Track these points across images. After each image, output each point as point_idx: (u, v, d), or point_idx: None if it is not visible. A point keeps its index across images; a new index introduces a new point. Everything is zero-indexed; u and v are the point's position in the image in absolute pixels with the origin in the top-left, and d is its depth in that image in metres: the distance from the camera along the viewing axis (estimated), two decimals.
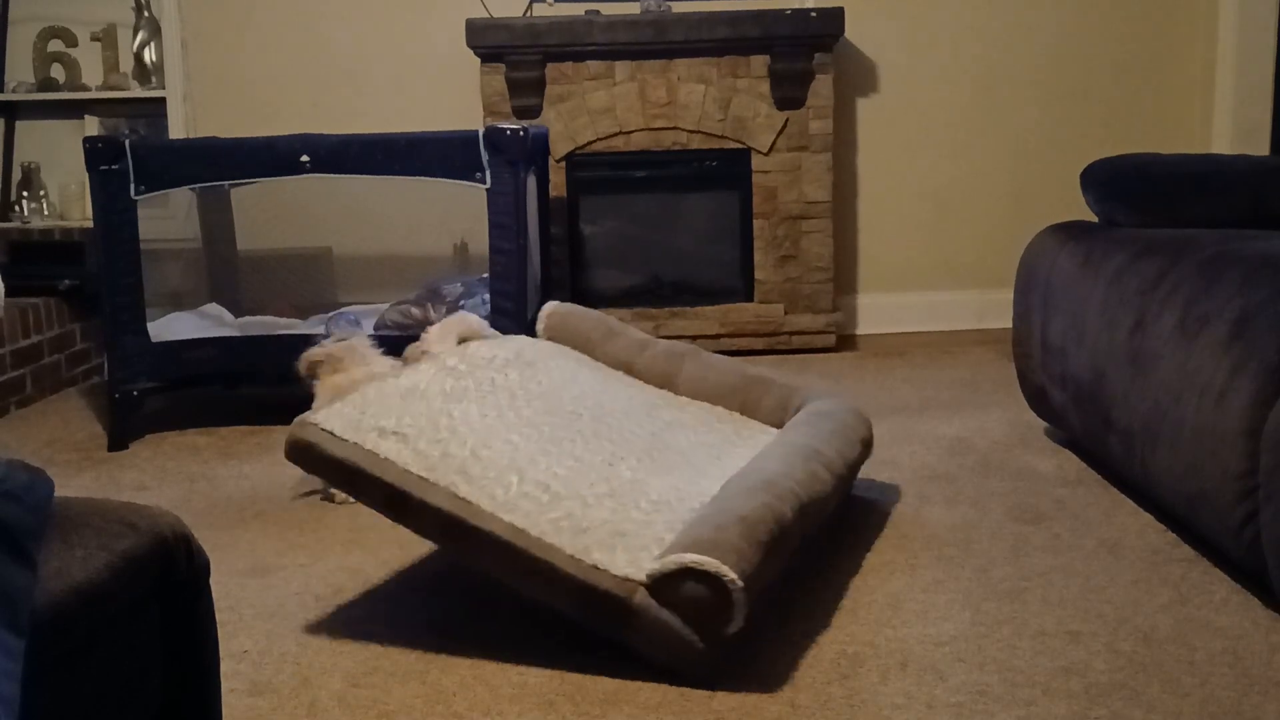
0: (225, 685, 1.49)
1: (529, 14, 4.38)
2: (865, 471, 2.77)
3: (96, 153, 3.29)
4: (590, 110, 4.24)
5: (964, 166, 4.55)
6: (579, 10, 4.24)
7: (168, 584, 1.28)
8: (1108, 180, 2.93)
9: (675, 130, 4.26)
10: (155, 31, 4.50)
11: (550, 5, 4.41)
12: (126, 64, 4.55)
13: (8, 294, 3.02)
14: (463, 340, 2.58)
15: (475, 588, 2.19)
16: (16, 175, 4.61)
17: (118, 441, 3.30)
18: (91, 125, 4.56)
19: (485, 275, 3.41)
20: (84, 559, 1.17)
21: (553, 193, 4.09)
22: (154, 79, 4.52)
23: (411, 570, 2.32)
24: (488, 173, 3.25)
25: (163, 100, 4.48)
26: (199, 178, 3.54)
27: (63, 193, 4.60)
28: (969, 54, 4.50)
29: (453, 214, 3.80)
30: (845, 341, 4.42)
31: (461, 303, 3.57)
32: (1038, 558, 2.28)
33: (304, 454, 2.06)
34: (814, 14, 4.16)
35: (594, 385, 2.52)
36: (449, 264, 4.17)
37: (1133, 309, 2.46)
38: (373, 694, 1.83)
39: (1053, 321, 2.84)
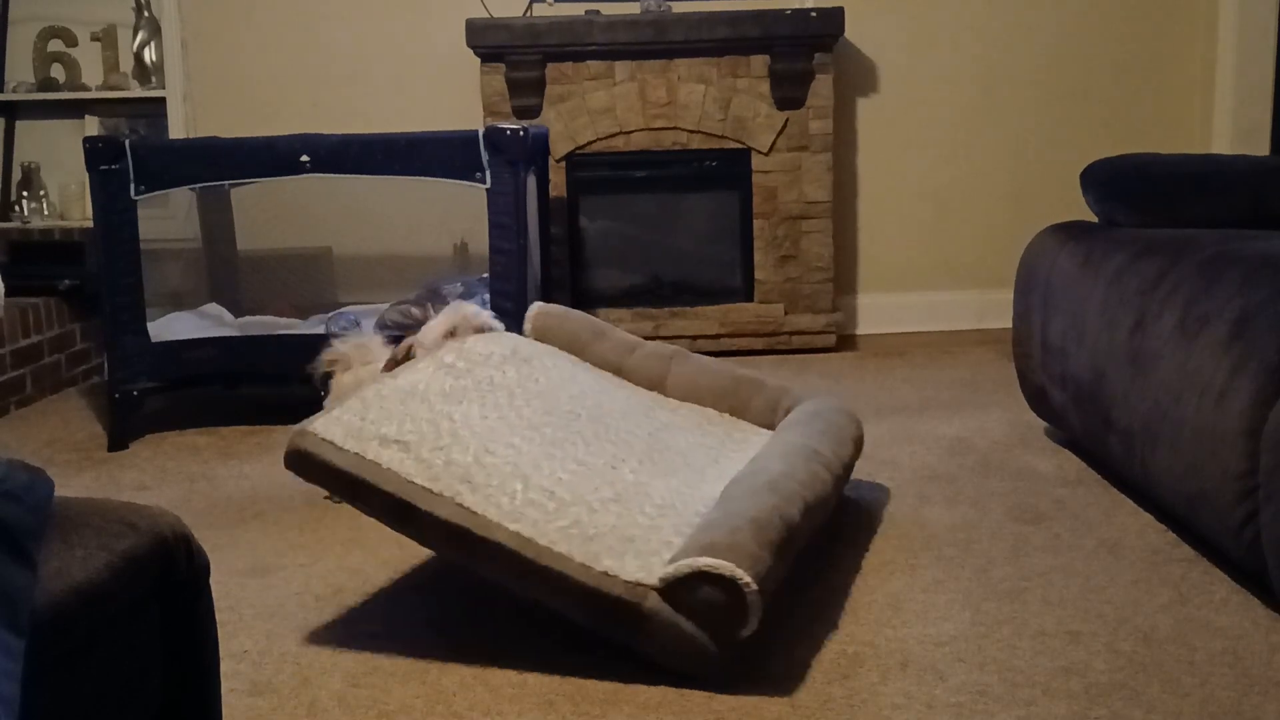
0: (225, 685, 1.49)
1: (529, 14, 4.38)
2: (865, 471, 2.78)
3: (96, 153, 3.29)
4: (590, 110, 4.24)
5: (964, 166, 4.55)
6: (579, 10, 4.24)
7: (168, 584, 1.28)
8: (1108, 180, 2.93)
9: (675, 130, 4.26)
10: (155, 31, 4.50)
11: (550, 5, 4.41)
12: (126, 64, 4.56)
13: (8, 294, 3.02)
14: (450, 333, 2.54)
15: (475, 588, 2.19)
16: (16, 175, 4.61)
17: (118, 441, 3.30)
18: (91, 125, 4.56)
19: (485, 275, 3.41)
20: (84, 559, 1.17)
21: (553, 193, 4.09)
22: (154, 79, 4.52)
23: (411, 570, 2.32)
24: (488, 173, 3.25)
25: (163, 100, 4.48)
26: (199, 178, 3.54)
27: (63, 193, 4.60)
28: (969, 54, 4.50)
29: (453, 214, 3.80)
30: (845, 341, 4.42)
31: None
32: (1038, 558, 2.28)
33: (304, 464, 2.03)
34: (814, 14, 4.16)
35: (590, 385, 2.52)
36: (449, 264, 4.17)
37: (1133, 309, 2.46)
38: (373, 694, 1.83)
39: (1053, 321, 2.84)
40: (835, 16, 4.15)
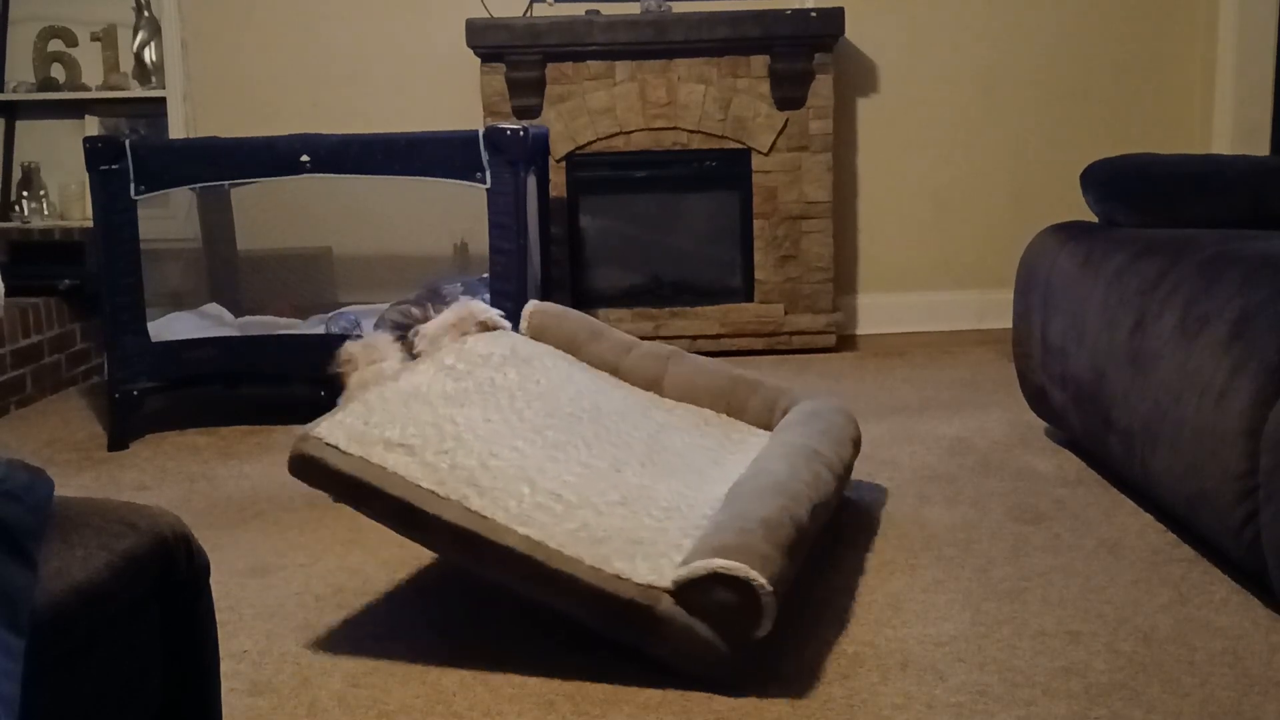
0: (225, 685, 1.49)
1: (529, 14, 4.39)
2: (865, 472, 2.78)
3: (96, 153, 3.29)
4: (590, 110, 4.24)
5: (964, 166, 4.55)
6: (579, 10, 4.24)
7: (168, 584, 1.28)
8: (1108, 180, 2.93)
9: (675, 130, 4.26)
10: (155, 31, 4.50)
11: (550, 5, 4.41)
12: (126, 64, 4.56)
13: (8, 294, 3.03)
14: (455, 326, 2.54)
15: (476, 588, 2.19)
16: (17, 175, 4.61)
17: (118, 441, 3.30)
18: (91, 125, 4.56)
19: (485, 275, 3.41)
20: (84, 559, 1.17)
21: (553, 193, 4.09)
22: (154, 79, 4.52)
23: (412, 570, 2.32)
24: (488, 173, 3.25)
25: (163, 100, 4.48)
26: (199, 178, 3.54)
27: (63, 193, 4.60)
28: (969, 54, 4.50)
29: (453, 214, 3.80)
30: (845, 341, 4.42)
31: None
32: (1038, 558, 2.28)
33: (308, 469, 2.01)
34: (814, 14, 4.16)
35: (588, 386, 2.51)
36: (449, 264, 4.17)
37: (1133, 309, 2.46)
38: (373, 694, 1.83)
39: (1053, 321, 2.84)
40: (835, 16, 4.15)
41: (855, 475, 2.65)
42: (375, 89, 4.49)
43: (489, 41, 4.16)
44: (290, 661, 1.95)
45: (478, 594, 2.17)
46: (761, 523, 1.90)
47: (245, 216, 4.02)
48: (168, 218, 4.02)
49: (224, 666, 1.51)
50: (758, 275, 4.30)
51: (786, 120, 4.24)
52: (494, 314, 2.62)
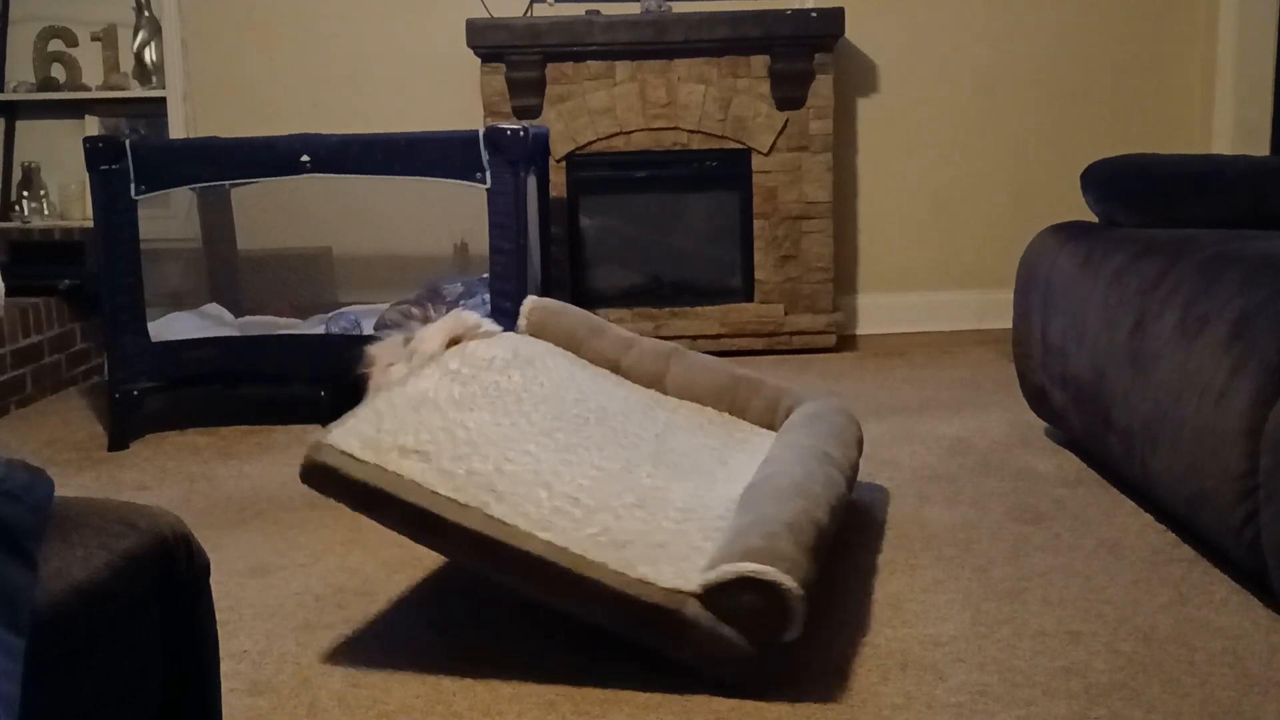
0: (225, 685, 1.49)
1: (529, 14, 4.38)
2: (865, 472, 2.77)
3: (97, 152, 3.29)
4: (590, 110, 4.24)
5: (964, 166, 4.55)
6: (579, 10, 4.24)
7: (168, 584, 1.28)
8: (1108, 180, 2.93)
9: (675, 130, 4.26)
10: (155, 31, 4.50)
11: (550, 5, 4.41)
12: (126, 64, 4.56)
13: (8, 294, 3.02)
14: (454, 341, 2.51)
15: (476, 588, 2.19)
16: (17, 175, 4.61)
17: (118, 441, 3.30)
18: (92, 125, 4.56)
19: (485, 275, 3.41)
20: (84, 559, 1.17)
21: (553, 193, 4.09)
22: (154, 79, 4.52)
23: (411, 570, 2.32)
24: (488, 173, 3.25)
25: (163, 100, 4.48)
26: (199, 178, 3.54)
27: (63, 192, 4.60)
28: (969, 54, 4.50)
29: (453, 214, 3.80)
30: (845, 341, 4.42)
31: (461, 302, 3.56)
32: (1038, 558, 2.28)
33: (322, 477, 1.95)
34: (814, 14, 4.16)
35: (591, 386, 2.50)
36: (449, 264, 4.17)
37: (1133, 309, 2.46)
38: (373, 694, 1.83)
39: (1053, 321, 2.84)
40: (835, 16, 4.15)
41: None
42: (375, 89, 4.49)
43: (489, 41, 4.16)
44: (290, 661, 1.95)
45: (478, 594, 2.17)
46: (786, 526, 1.88)
47: (245, 216, 4.02)
48: (168, 218, 4.02)
49: (224, 666, 1.51)
50: (758, 275, 4.30)
51: (786, 120, 4.24)
52: (486, 323, 2.59)
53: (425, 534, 1.94)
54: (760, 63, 4.22)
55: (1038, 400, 3.01)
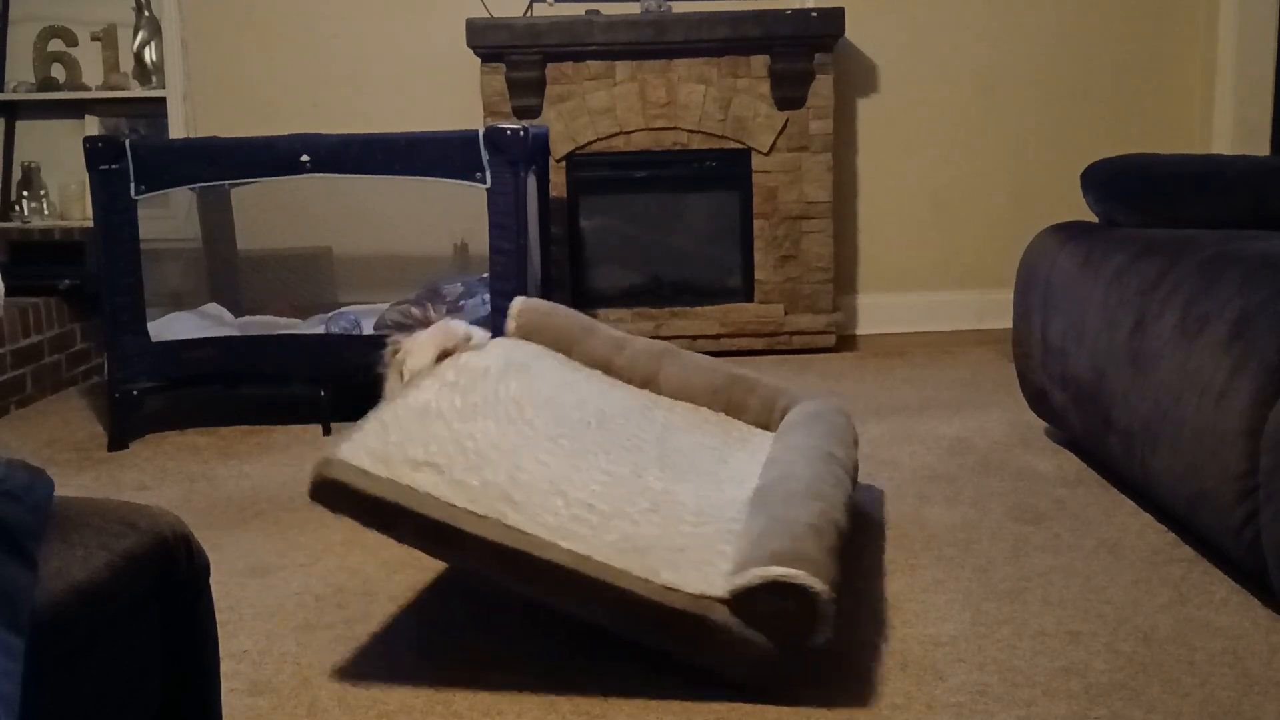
0: (225, 685, 1.49)
1: (529, 14, 4.38)
2: (865, 472, 2.77)
3: (96, 152, 3.29)
4: (590, 110, 4.24)
5: (964, 166, 4.55)
6: (579, 10, 4.24)
7: (168, 584, 1.28)
8: (1108, 180, 2.93)
9: (675, 130, 4.27)
10: (155, 31, 4.50)
11: (550, 5, 4.41)
12: (126, 64, 4.56)
13: (8, 294, 3.02)
14: (444, 354, 2.46)
15: (476, 588, 2.19)
16: (17, 175, 4.61)
17: (118, 441, 3.30)
18: (92, 125, 4.56)
19: (485, 275, 3.41)
20: (84, 559, 1.17)
21: (553, 193, 4.09)
22: (154, 79, 4.52)
23: (411, 570, 2.32)
24: (488, 173, 3.25)
25: (163, 100, 4.48)
26: (199, 178, 3.55)
27: (63, 192, 4.60)
28: (969, 54, 4.50)
29: (453, 214, 3.80)
30: (845, 341, 4.42)
31: (461, 302, 3.57)
32: (1038, 558, 2.28)
33: (334, 494, 1.88)
34: (814, 14, 4.16)
35: (588, 389, 2.48)
36: (449, 264, 4.17)
37: (1133, 309, 2.46)
38: (373, 694, 1.83)
39: (1053, 321, 2.84)
40: (835, 16, 4.15)
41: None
42: (375, 89, 4.49)
43: (489, 41, 4.16)
44: (290, 661, 1.95)
45: (478, 594, 2.17)
46: (810, 528, 1.87)
47: (245, 216, 4.02)
48: (168, 218, 4.02)
49: (224, 666, 1.51)
50: (758, 275, 4.30)
51: (786, 120, 4.24)
52: (475, 332, 2.53)
53: (442, 547, 1.90)
54: (760, 63, 4.22)
55: (1038, 400, 3.01)
